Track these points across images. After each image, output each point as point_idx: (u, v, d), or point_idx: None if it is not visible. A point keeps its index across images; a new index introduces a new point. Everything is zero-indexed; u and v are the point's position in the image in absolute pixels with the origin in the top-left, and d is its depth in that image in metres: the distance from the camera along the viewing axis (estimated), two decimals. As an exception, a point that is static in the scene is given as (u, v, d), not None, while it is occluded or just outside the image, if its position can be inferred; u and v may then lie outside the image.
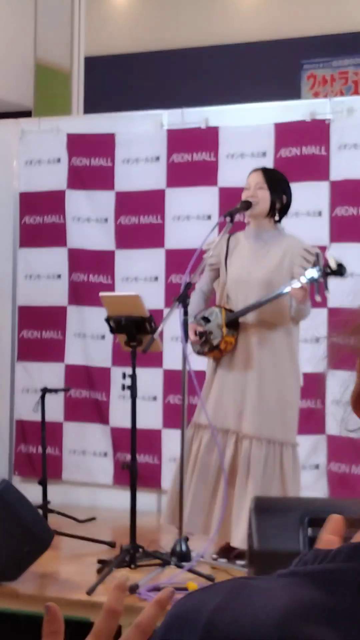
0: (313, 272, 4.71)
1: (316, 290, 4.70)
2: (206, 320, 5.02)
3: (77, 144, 6.80)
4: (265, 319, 4.97)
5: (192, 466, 5.03)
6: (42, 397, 5.83)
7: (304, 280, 4.72)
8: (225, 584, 0.81)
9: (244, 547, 4.87)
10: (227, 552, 5.05)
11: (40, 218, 6.86)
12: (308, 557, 0.81)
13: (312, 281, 4.70)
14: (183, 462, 4.93)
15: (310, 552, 0.81)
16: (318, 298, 4.71)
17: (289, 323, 4.95)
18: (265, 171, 5.14)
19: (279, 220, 5.11)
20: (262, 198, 5.04)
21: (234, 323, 4.99)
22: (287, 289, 4.79)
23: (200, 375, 5.18)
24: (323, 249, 5.92)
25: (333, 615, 0.75)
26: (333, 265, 4.70)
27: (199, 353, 5.06)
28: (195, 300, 5.13)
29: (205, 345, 5.01)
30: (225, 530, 4.93)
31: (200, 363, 5.17)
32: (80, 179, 6.77)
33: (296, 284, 4.75)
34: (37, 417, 5.86)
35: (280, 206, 5.07)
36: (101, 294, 5.30)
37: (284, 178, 5.15)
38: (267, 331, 4.96)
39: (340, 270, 4.69)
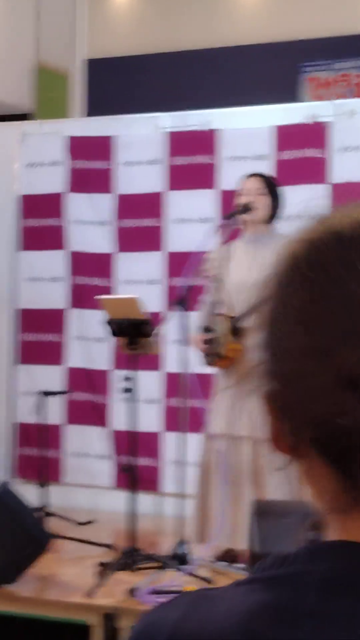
0: None
1: None
2: (210, 330, 5.01)
3: (78, 146, 6.80)
4: None
5: (214, 476, 5.02)
6: (42, 400, 5.83)
7: None
8: (186, 597, 0.82)
9: (242, 548, 4.88)
10: (227, 555, 5.04)
11: (41, 221, 6.86)
12: (266, 563, 0.81)
13: None
14: (202, 470, 4.93)
15: (268, 558, 0.81)
16: None
17: None
18: (264, 178, 5.16)
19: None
20: (263, 204, 5.05)
21: (239, 330, 4.97)
22: None
23: (202, 378, 5.17)
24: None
25: (297, 615, 0.75)
26: None
27: (210, 364, 5.04)
28: (202, 313, 5.14)
29: (213, 355, 4.99)
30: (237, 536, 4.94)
31: (201, 366, 5.15)
32: (80, 181, 6.77)
33: None
34: (38, 420, 5.86)
35: (276, 212, 5.11)
36: (99, 297, 5.30)
37: (279, 184, 5.19)
38: None
39: None
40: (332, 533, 0.82)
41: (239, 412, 4.96)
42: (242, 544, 4.88)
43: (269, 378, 0.82)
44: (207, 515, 4.99)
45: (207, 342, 4.98)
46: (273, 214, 5.10)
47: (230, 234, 5.09)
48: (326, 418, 0.76)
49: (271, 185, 5.12)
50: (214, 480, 5.01)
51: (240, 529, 4.87)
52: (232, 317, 4.99)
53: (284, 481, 4.85)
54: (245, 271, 5.03)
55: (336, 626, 0.74)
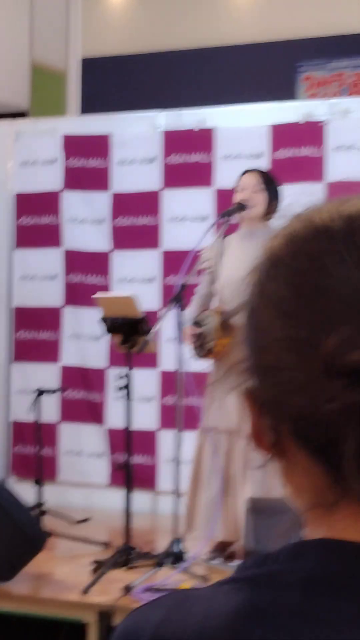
0: None
1: None
2: (199, 324, 5.01)
3: (73, 144, 6.80)
4: None
5: (207, 472, 5.02)
6: (37, 398, 5.83)
7: None
8: (167, 597, 0.81)
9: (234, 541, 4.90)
10: (221, 550, 5.05)
11: (36, 219, 6.86)
12: (248, 562, 0.80)
13: None
14: (197, 467, 4.94)
15: (250, 557, 0.80)
16: None
17: None
18: (261, 173, 5.15)
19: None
20: (260, 201, 5.04)
21: (228, 325, 4.98)
22: None
23: (197, 376, 5.16)
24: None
25: (280, 615, 0.74)
26: None
27: (199, 356, 5.05)
28: (193, 305, 5.14)
29: (202, 349, 5.00)
30: (232, 530, 4.94)
31: (197, 364, 5.16)
32: (76, 180, 6.77)
33: None
34: (33, 418, 5.85)
35: (274, 208, 5.09)
36: (95, 295, 5.31)
37: (277, 180, 5.17)
38: None
39: None
40: (314, 531, 0.80)
41: (228, 406, 4.97)
42: (235, 537, 4.89)
43: (249, 374, 0.82)
44: (195, 510, 4.99)
45: (196, 336, 4.98)
46: (270, 209, 5.08)
47: (226, 232, 5.08)
48: (309, 409, 0.75)
49: (268, 181, 5.11)
50: (204, 476, 5.01)
51: (233, 523, 4.88)
52: (222, 312, 4.99)
53: (267, 477, 4.86)
54: (239, 267, 5.02)
55: (320, 626, 0.74)
